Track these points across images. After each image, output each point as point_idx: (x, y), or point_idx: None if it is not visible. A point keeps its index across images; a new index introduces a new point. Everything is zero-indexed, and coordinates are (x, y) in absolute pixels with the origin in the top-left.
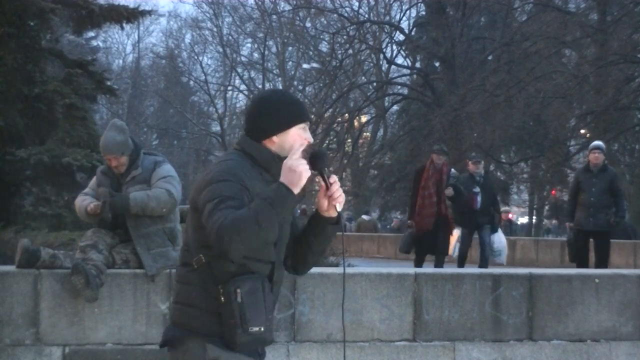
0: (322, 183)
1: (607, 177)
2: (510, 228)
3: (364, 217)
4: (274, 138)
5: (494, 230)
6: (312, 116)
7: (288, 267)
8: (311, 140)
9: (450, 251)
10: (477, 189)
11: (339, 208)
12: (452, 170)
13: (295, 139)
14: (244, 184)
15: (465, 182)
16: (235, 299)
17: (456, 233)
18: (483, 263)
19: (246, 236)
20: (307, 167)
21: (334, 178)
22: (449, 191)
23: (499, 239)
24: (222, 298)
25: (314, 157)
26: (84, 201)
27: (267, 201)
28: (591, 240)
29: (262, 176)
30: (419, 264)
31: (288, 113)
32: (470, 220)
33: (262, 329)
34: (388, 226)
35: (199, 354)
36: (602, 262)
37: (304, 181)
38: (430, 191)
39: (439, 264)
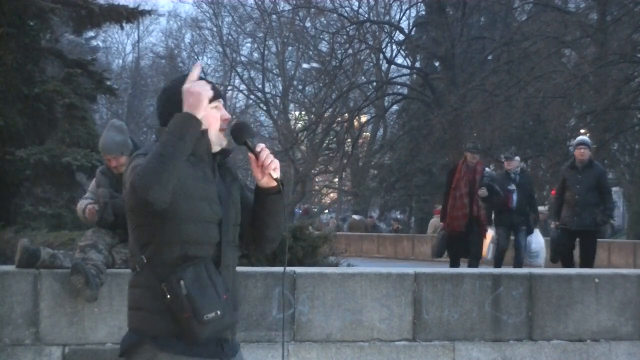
0: (251, 154)
1: (594, 174)
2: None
3: (355, 217)
4: None
5: (530, 231)
6: (312, 116)
7: (250, 247)
8: (228, 116)
9: (485, 253)
10: (513, 187)
11: (275, 175)
12: (487, 169)
13: (210, 119)
14: None
15: (500, 181)
16: (181, 291)
17: (490, 234)
18: (517, 266)
19: (156, 174)
20: (208, 88)
21: (260, 146)
22: (483, 192)
23: (537, 240)
24: (168, 295)
25: (236, 130)
26: (83, 204)
27: (169, 133)
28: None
29: (188, 159)
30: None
31: None
32: (506, 220)
33: (219, 312)
34: (388, 226)
35: None
36: (587, 264)
37: (204, 102)
38: (462, 192)
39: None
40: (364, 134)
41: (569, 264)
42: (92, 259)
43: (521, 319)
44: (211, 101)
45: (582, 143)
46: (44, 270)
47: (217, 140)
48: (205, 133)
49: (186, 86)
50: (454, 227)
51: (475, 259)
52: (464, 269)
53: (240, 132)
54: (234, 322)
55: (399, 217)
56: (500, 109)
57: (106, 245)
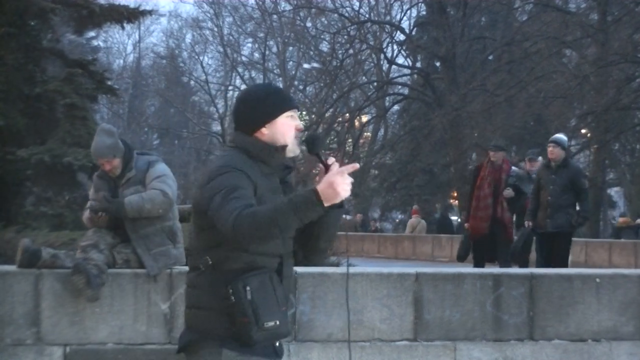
0: (321, 165)
1: (568, 173)
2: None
3: (346, 216)
4: (264, 129)
5: None
6: (313, 116)
7: (299, 258)
8: (301, 127)
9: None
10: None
11: (347, 194)
12: (514, 168)
13: (285, 128)
14: (246, 173)
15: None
16: (245, 296)
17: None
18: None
19: (263, 233)
20: (349, 189)
21: (331, 160)
22: (508, 192)
23: None
24: (232, 298)
25: (309, 141)
26: (85, 213)
27: (291, 205)
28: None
29: (261, 169)
30: None
31: (273, 103)
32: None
33: (278, 322)
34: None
35: (214, 358)
36: (560, 266)
37: (336, 200)
38: (485, 192)
39: None
40: (365, 133)
41: (524, 264)
42: (93, 258)
43: (522, 319)
44: (286, 111)
45: (552, 141)
46: (44, 270)
47: (292, 148)
48: (283, 148)
49: (333, 178)
50: (476, 229)
51: (505, 264)
52: (463, 269)
53: (313, 143)
54: (287, 333)
55: (399, 216)
56: (501, 109)
57: (107, 245)
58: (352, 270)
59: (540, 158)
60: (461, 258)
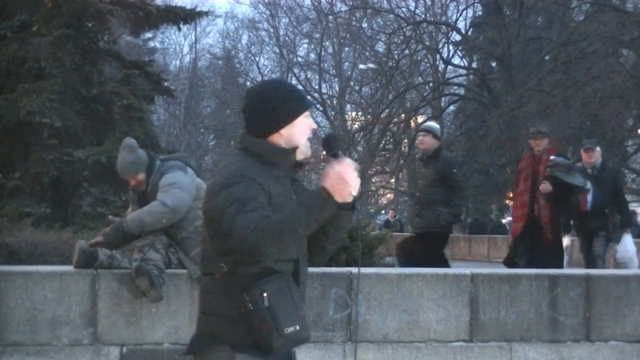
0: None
1: (438, 165)
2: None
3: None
4: (282, 132)
5: (609, 239)
6: (369, 117)
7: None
8: (315, 126)
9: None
10: (589, 186)
11: (355, 192)
12: (553, 157)
13: (302, 129)
14: (258, 182)
15: (575, 173)
16: (263, 303)
17: (567, 242)
18: None
19: (282, 242)
20: (358, 179)
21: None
22: (544, 186)
23: (623, 247)
24: (250, 305)
25: (327, 141)
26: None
27: (304, 207)
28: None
29: (272, 173)
30: None
31: (292, 105)
32: (581, 226)
33: (297, 327)
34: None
35: None
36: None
37: (350, 193)
38: (521, 187)
39: None
40: None
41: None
42: (151, 258)
43: (578, 320)
44: (305, 112)
45: (423, 129)
46: (101, 270)
47: (304, 149)
48: (295, 150)
49: (340, 168)
50: (515, 230)
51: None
52: (520, 270)
53: (330, 144)
54: (307, 338)
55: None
56: (557, 109)
57: (163, 245)
58: (407, 270)
59: (598, 148)
60: (506, 263)
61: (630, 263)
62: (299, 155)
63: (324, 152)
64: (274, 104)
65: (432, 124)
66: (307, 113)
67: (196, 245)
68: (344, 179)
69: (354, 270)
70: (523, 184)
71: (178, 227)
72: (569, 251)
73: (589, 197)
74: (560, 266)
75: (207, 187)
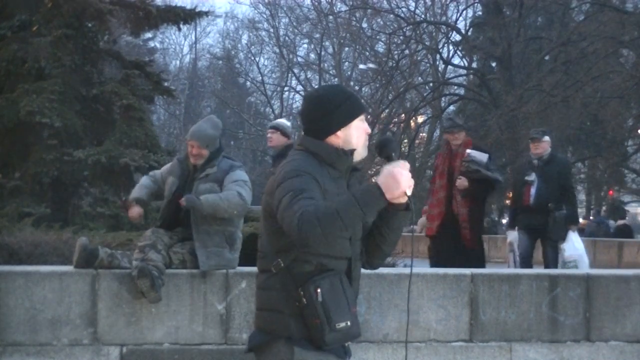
0: None
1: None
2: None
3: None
4: (339, 133)
5: (551, 237)
6: (369, 117)
7: (363, 262)
8: (369, 130)
9: (511, 263)
10: (532, 178)
11: (409, 193)
12: (468, 151)
13: (358, 132)
14: (315, 177)
15: (520, 168)
16: (317, 298)
17: (509, 239)
18: None
19: (327, 229)
20: (411, 179)
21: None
22: (460, 182)
23: (571, 245)
24: (304, 299)
25: (381, 144)
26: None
27: (355, 198)
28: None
29: (329, 173)
30: None
31: (349, 108)
32: (524, 221)
33: (349, 323)
34: None
35: (287, 357)
36: None
37: (400, 192)
38: (436, 184)
39: None
40: (421, 134)
41: None
42: (152, 259)
43: (578, 320)
44: (360, 115)
45: (271, 126)
46: (101, 270)
47: (361, 152)
48: (352, 152)
49: (394, 168)
50: (429, 230)
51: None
52: (520, 270)
53: (384, 146)
54: (358, 334)
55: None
56: (557, 109)
57: (164, 246)
58: (407, 271)
59: (546, 138)
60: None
61: (581, 261)
62: (357, 157)
63: (378, 155)
64: (332, 107)
65: (282, 121)
66: (362, 117)
67: (218, 244)
68: (397, 178)
69: None
70: (439, 180)
71: (213, 220)
72: (513, 247)
73: (533, 190)
74: (481, 267)
75: (268, 184)
